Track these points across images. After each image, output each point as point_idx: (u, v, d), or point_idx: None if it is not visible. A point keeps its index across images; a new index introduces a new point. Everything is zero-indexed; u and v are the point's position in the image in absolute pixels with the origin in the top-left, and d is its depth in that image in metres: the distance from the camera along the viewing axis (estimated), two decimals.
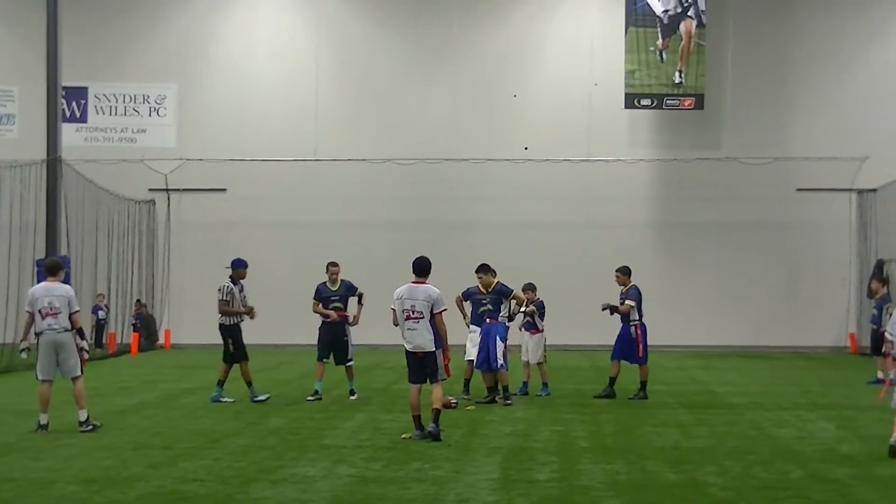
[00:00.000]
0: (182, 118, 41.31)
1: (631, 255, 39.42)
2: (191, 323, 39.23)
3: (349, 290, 22.70)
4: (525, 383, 23.40)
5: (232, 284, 22.03)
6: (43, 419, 17.54)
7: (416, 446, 15.98)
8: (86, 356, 18.23)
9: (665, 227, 40.41)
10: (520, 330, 23.53)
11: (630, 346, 22.90)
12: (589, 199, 40.08)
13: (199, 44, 41.38)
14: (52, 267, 18.42)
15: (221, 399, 21.71)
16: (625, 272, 23.35)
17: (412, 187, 40.35)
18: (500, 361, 21.54)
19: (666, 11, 38.87)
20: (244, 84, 41.13)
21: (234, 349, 21.92)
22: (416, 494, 12.63)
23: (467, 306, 22.22)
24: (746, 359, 35.50)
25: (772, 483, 13.38)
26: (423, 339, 16.56)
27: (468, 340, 22.10)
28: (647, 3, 38.85)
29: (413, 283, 16.75)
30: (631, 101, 39.09)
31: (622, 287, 23.28)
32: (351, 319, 22.59)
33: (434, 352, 16.62)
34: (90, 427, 17.34)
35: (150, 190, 40.65)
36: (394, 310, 16.77)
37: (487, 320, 21.67)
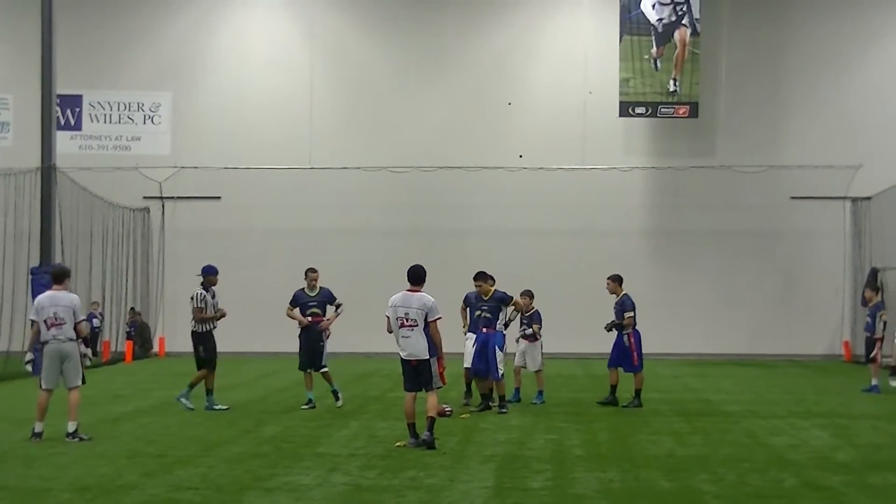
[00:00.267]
0: (176, 126, 41.30)
1: (625, 263, 39.46)
2: (185, 331, 38.55)
3: (328, 297, 22.66)
4: (517, 389, 23.42)
5: (204, 291, 22.03)
6: (38, 427, 17.49)
7: (411, 454, 15.98)
8: (87, 363, 18.20)
9: (659, 235, 40.44)
10: (516, 341, 23.57)
11: (625, 354, 22.91)
12: (584, 206, 40.11)
13: (194, 52, 41.38)
14: (58, 275, 18.33)
15: (215, 407, 21.72)
16: (616, 280, 23.35)
17: (407, 195, 40.35)
18: (501, 371, 21.63)
19: (660, 20, 38.92)
20: (239, 92, 41.13)
21: (204, 355, 21.91)
22: (410, 502, 12.64)
23: (466, 313, 22.26)
24: (741, 366, 35.52)
25: (766, 491, 13.39)
26: (417, 346, 16.55)
27: (465, 348, 22.09)
28: (642, 12, 38.89)
29: (408, 290, 16.76)
30: (625, 109, 39.12)
31: (614, 295, 23.28)
32: (321, 324, 22.47)
33: (429, 360, 16.61)
34: (77, 439, 17.24)
35: (144, 198, 40.64)
36: (388, 317, 16.78)
37: (484, 329, 21.65)
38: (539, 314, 23.49)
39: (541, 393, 23.35)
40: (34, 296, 31.57)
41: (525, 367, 23.46)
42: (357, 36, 41.18)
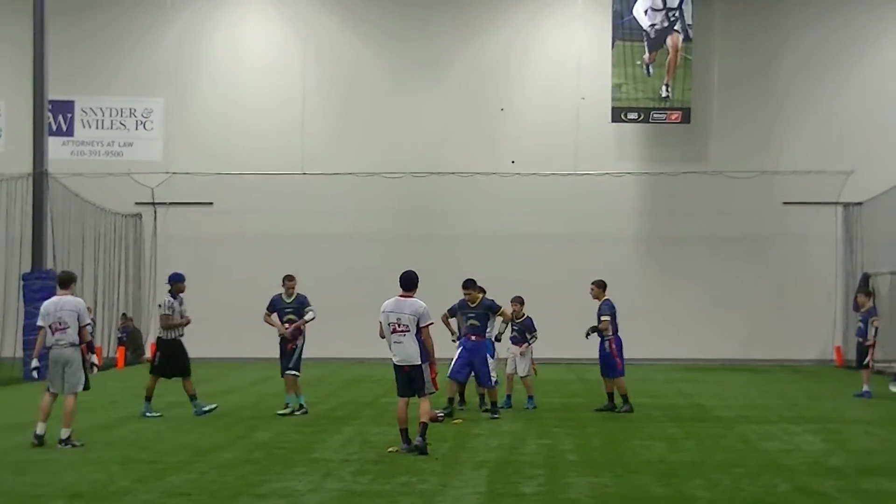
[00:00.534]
0: (169, 132, 41.27)
1: (618, 269, 39.69)
2: None
3: (303, 304, 22.67)
4: (509, 396, 23.46)
5: (172, 299, 22.14)
6: (40, 429, 17.45)
7: (404, 460, 15.97)
8: (94, 371, 18.20)
9: (652, 241, 40.46)
10: (507, 349, 23.61)
11: (606, 360, 22.95)
12: (576, 212, 40.12)
13: (186, 58, 41.35)
14: (63, 280, 18.36)
15: (204, 410, 21.75)
16: (600, 285, 23.38)
17: (399, 201, 40.35)
18: (495, 379, 21.71)
19: (653, 25, 38.97)
20: (231, 98, 41.11)
21: (159, 362, 21.89)
22: None
23: (453, 322, 22.27)
24: (733, 372, 35.54)
25: (759, 496, 13.39)
26: (409, 352, 16.55)
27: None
28: (634, 18, 38.94)
29: (400, 296, 16.76)
30: (618, 114, 39.15)
31: (596, 300, 23.33)
32: (289, 326, 22.42)
33: (421, 365, 16.60)
34: (69, 446, 17.21)
35: (136, 203, 40.58)
36: (381, 323, 16.78)
37: (473, 337, 21.62)
38: (531, 320, 23.52)
39: (531, 398, 23.39)
40: (26, 302, 31.76)
41: (516, 373, 23.50)
42: (350, 42, 41.18)
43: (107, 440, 18.08)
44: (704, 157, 40.44)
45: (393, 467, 15.30)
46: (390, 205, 40.35)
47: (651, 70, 39.01)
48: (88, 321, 18.01)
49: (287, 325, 22.35)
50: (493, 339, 22.15)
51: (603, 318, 22.87)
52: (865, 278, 36.10)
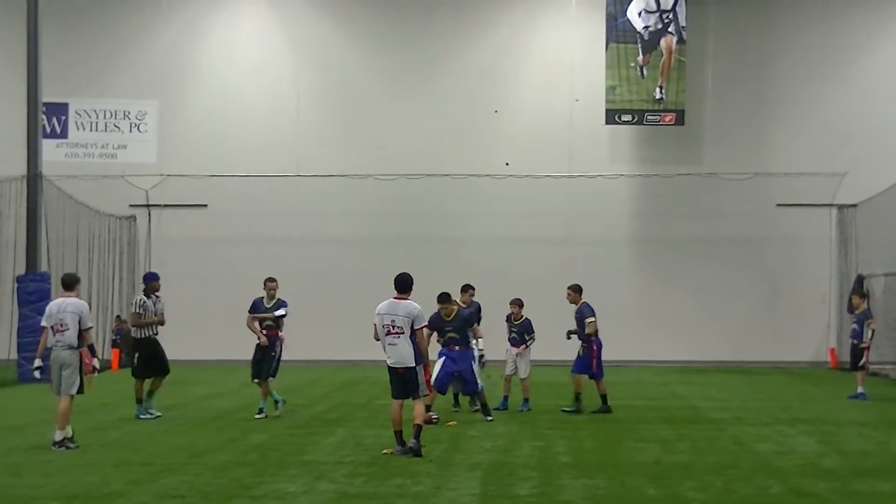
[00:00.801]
0: (163, 134, 41.21)
1: (612, 271, 39.81)
2: (171, 339, 38.85)
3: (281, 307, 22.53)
4: (505, 398, 23.47)
5: (145, 298, 22.23)
6: (68, 431, 17.51)
7: (398, 462, 15.98)
8: (95, 375, 18.18)
9: (646, 243, 40.45)
10: (506, 351, 23.63)
11: (586, 361, 22.93)
12: (570, 214, 40.11)
13: (180, 61, 41.29)
14: (67, 282, 18.47)
15: (150, 412, 21.81)
16: (577, 290, 23.42)
17: (393, 202, 40.33)
18: (481, 385, 21.75)
19: (646, 28, 38.98)
20: (225, 100, 41.06)
21: (137, 363, 21.94)
22: None
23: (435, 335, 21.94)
24: (727, 374, 35.55)
25: (752, 498, 13.41)
26: (403, 354, 16.56)
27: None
28: (628, 20, 38.95)
29: (395, 298, 16.77)
30: (612, 116, 39.14)
31: (574, 305, 23.32)
32: (266, 332, 22.36)
33: (415, 367, 16.61)
34: (63, 448, 17.21)
35: (130, 206, 40.52)
36: (375, 325, 16.79)
37: (456, 347, 21.54)
38: (530, 322, 23.57)
39: (527, 400, 23.41)
40: (20, 304, 31.78)
41: (515, 375, 23.52)
42: (344, 43, 41.14)
43: (101, 442, 18.08)
44: (698, 159, 40.45)
45: (387, 469, 15.30)
46: (384, 207, 40.32)
47: (645, 72, 39.02)
48: (90, 324, 18.03)
49: (265, 332, 22.21)
50: (477, 358, 21.96)
51: (589, 319, 22.86)
52: (860, 280, 36.12)
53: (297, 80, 40.92)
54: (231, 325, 36.58)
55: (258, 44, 41.42)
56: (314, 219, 40.38)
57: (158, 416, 21.77)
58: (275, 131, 40.73)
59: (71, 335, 17.63)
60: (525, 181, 40.00)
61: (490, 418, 21.38)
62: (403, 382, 16.70)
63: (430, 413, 19.92)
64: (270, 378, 22.22)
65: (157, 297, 22.43)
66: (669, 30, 38.99)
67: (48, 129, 39.24)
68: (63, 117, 41.13)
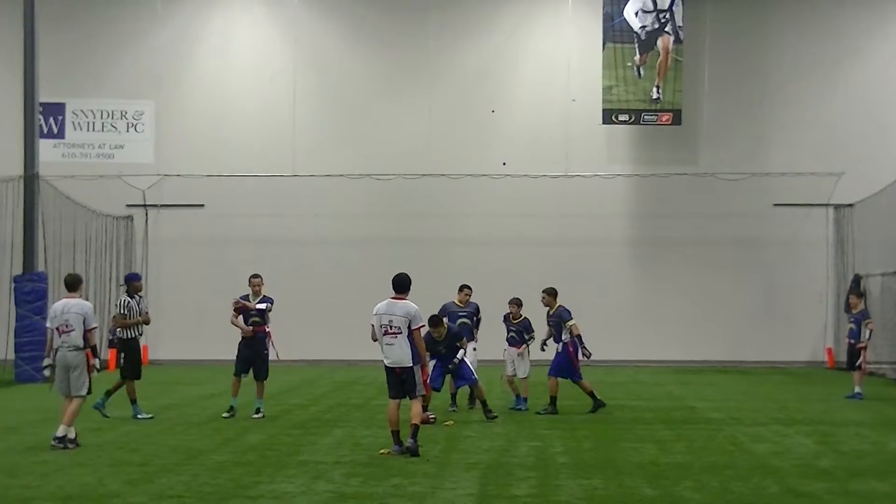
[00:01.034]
0: (160, 134, 41.16)
1: (608, 271, 39.86)
2: (168, 339, 39.13)
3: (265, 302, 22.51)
4: (523, 398, 23.46)
5: (129, 298, 22.20)
6: (70, 433, 17.53)
7: (395, 462, 15.98)
8: (95, 374, 18.19)
9: (643, 243, 40.43)
10: (504, 351, 23.67)
11: (569, 363, 22.86)
12: (567, 214, 40.09)
13: (177, 61, 41.26)
14: (70, 283, 18.47)
15: (103, 408, 21.76)
16: (552, 293, 23.33)
17: (390, 202, 40.30)
18: (475, 376, 21.76)
19: (643, 27, 38.97)
20: (221, 101, 41.02)
21: (125, 364, 21.97)
22: None
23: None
24: (724, 374, 35.55)
25: (749, 498, 13.42)
26: (400, 354, 16.57)
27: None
28: (625, 19, 38.93)
29: (392, 298, 16.78)
30: (608, 116, 39.13)
31: (548, 308, 23.28)
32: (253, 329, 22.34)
33: (412, 367, 16.62)
34: (62, 446, 17.21)
35: (127, 206, 40.48)
36: (372, 325, 16.80)
37: (444, 352, 21.56)
38: (529, 322, 23.61)
39: (525, 399, 23.44)
40: (18, 304, 31.76)
41: (516, 375, 23.54)
42: (341, 43, 41.11)
43: (97, 442, 18.07)
44: (695, 158, 40.45)
45: (384, 469, 15.30)
46: (381, 206, 40.30)
47: (642, 72, 39.00)
48: (95, 324, 18.04)
49: (252, 328, 22.19)
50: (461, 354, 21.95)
51: (569, 323, 22.77)
52: (857, 280, 36.12)
53: (294, 79, 40.86)
54: (228, 325, 36.59)
55: (254, 44, 41.39)
56: (311, 219, 40.35)
57: (107, 417, 21.63)
58: (272, 131, 40.70)
59: (76, 336, 17.67)
60: (522, 181, 39.97)
61: (494, 416, 21.29)
62: (401, 382, 16.71)
63: (428, 413, 19.92)
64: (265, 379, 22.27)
65: (139, 296, 22.44)
66: (666, 29, 38.98)
67: (45, 130, 39.21)
68: (60, 117, 41.09)
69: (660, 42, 38.98)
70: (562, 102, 40.24)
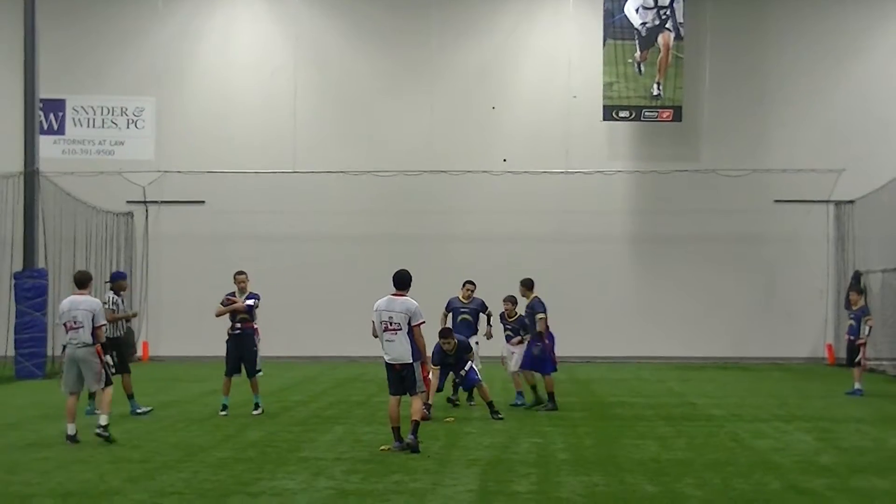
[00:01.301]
0: (160, 130, 41.13)
1: (609, 267, 39.83)
2: (169, 336, 39.17)
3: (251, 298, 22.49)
4: (519, 392, 23.45)
5: (116, 296, 22.32)
6: (70, 430, 17.60)
7: (395, 458, 15.98)
8: (113, 370, 18.29)
9: (643, 239, 40.41)
10: (502, 351, 23.69)
11: (540, 357, 22.77)
12: (567, 211, 40.06)
13: (178, 57, 41.23)
14: (80, 280, 18.54)
15: (95, 410, 21.78)
16: (528, 285, 23.22)
17: (391, 199, 40.27)
18: (478, 377, 21.73)
19: (644, 24, 38.95)
20: (222, 97, 41.00)
21: (117, 360, 21.95)
22: None
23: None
24: (724, 370, 35.54)
25: (750, 494, 13.41)
26: (401, 350, 16.57)
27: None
28: (626, 16, 38.91)
29: (393, 295, 16.78)
30: (609, 113, 39.11)
31: (524, 299, 23.22)
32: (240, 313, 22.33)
33: (412, 364, 16.62)
34: (106, 435, 17.41)
35: (128, 202, 40.45)
36: (373, 321, 16.79)
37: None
38: (524, 319, 23.52)
39: (521, 394, 23.41)
40: (18, 301, 31.78)
41: (518, 370, 23.55)
42: (341, 40, 41.10)
43: (97, 439, 18.05)
44: (696, 155, 40.42)
45: (385, 466, 15.30)
46: (381, 203, 40.28)
47: (642, 68, 38.98)
48: (104, 321, 18.09)
49: (240, 325, 22.15)
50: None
51: (539, 316, 22.69)
52: (857, 276, 36.11)
53: (295, 76, 40.83)
54: (228, 322, 36.69)
55: (255, 41, 41.36)
56: (311, 215, 40.34)
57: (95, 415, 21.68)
58: (272, 128, 40.68)
59: (85, 333, 17.74)
60: (522, 177, 39.95)
61: (501, 417, 21.19)
62: (401, 379, 16.71)
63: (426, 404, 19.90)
64: (259, 373, 22.25)
65: (123, 296, 22.62)
66: (667, 26, 38.96)
67: (45, 126, 39.21)
68: (60, 114, 41.07)
69: (660, 39, 38.95)
70: (562, 99, 40.22)
